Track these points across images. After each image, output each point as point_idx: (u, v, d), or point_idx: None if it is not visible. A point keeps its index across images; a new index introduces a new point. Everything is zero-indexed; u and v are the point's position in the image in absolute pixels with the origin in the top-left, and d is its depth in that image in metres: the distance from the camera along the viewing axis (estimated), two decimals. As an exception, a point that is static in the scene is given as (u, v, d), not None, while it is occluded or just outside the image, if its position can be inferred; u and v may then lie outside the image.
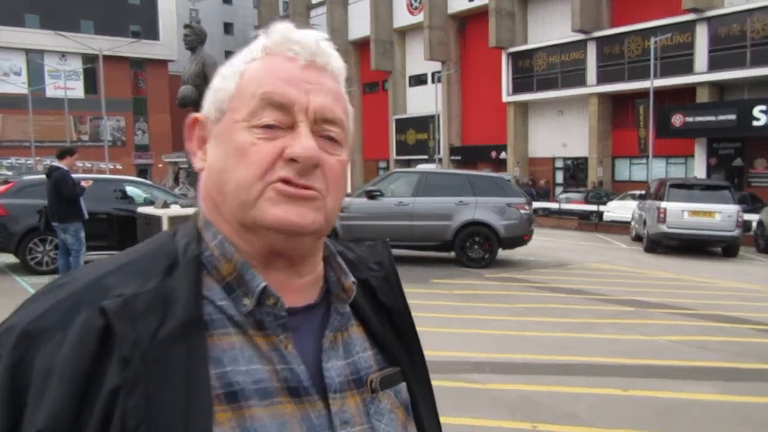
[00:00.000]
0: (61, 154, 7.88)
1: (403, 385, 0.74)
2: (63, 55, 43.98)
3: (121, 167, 39.42)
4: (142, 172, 43.53)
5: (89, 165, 34.27)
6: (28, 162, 33.76)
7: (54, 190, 7.60)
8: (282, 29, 0.69)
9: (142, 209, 8.89)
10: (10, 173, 24.22)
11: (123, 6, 47.66)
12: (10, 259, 9.73)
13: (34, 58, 43.12)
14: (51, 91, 42.25)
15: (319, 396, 0.65)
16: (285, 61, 0.67)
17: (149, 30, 48.24)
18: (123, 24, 46.86)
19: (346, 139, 0.70)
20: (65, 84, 40.51)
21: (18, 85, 41.33)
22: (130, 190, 10.44)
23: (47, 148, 36.91)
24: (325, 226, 0.67)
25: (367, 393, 0.70)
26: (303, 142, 0.64)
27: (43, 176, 8.30)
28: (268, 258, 0.66)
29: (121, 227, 9.50)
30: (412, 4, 35.59)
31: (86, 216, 7.87)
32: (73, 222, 7.72)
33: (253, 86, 0.66)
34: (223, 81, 0.69)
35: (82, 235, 7.85)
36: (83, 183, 7.88)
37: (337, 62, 0.71)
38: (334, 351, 0.69)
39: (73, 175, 7.94)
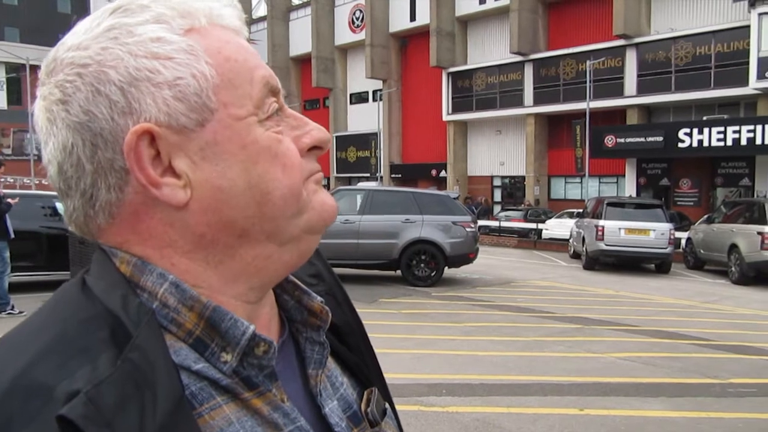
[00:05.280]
0: (-15, 168, 7.34)
1: (388, 406, 0.65)
2: (-16, 63, 41.69)
3: (47, 182, 37.51)
4: (71, 187, 41.51)
5: (11, 180, 32.49)
6: (-56, 176, 31.66)
7: (-24, 206, 7.05)
8: None
9: (74, 227, 8.37)
10: None
11: (52, 14, 45.72)
12: None
13: (-48, 66, 40.70)
14: (-30, 102, 39.96)
15: None
16: (231, 32, 0.53)
17: (80, 40, 46.47)
18: (52, 33, 44.50)
19: None
20: (-14, 94, 38.39)
21: (-67, 95, 38.97)
22: (61, 206, 9.83)
23: (-35, 161, 34.71)
24: None
25: (367, 428, 0.59)
26: (315, 125, 0.56)
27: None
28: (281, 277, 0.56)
29: (50, 247, 8.91)
30: (354, 22, 35.80)
31: (12, 235, 7.34)
32: (-4, 241, 7.18)
33: (243, 69, 0.51)
34: (177, 66, 0.48)
35: (7, 255, 7.32)
36: (10, 200, 7.34)
37: None
38: (326, 390, 0.57)
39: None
